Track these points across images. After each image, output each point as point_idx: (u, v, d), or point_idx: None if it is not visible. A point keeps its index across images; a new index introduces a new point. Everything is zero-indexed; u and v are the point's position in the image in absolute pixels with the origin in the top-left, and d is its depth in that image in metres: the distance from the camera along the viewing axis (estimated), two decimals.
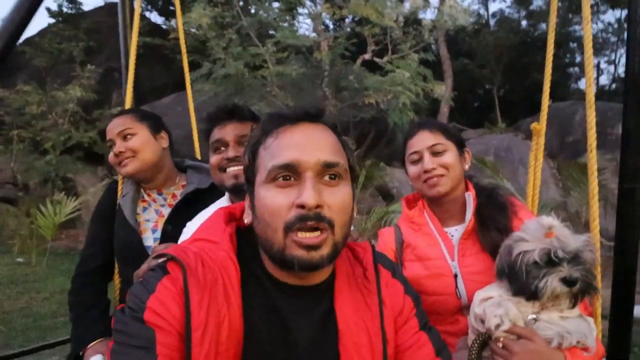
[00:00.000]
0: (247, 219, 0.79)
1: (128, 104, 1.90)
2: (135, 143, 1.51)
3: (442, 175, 1.31)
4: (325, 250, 0.70)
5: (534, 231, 1.08)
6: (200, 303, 0.67)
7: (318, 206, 0.69)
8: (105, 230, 1.60)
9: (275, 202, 0.71)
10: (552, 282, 1.02)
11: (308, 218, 0.68)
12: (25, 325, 4.17)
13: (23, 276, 6.09)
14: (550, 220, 1.07)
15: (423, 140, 1.34)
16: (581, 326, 1.07)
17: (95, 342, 1.45)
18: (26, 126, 9.70)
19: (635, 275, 1.37)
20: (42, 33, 11.62)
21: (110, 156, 1.54)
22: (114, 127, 1.53)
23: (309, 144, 0.72)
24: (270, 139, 0.75)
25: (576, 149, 10.15)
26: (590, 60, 1.46)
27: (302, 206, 0.68)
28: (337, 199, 0.72)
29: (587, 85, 1.46)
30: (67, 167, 9.43)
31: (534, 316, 1.07)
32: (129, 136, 1.51)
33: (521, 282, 1.06)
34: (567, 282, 1.03)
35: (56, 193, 8.45)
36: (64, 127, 9.65)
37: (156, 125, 1.59)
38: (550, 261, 1.03)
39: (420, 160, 1.34)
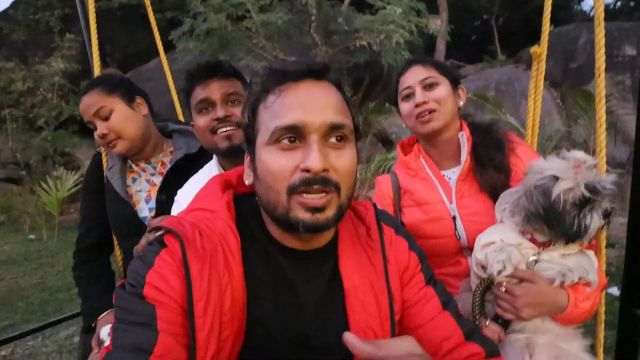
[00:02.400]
0: (247, 180, 0.77)
1: (97, 73, 1.80)
2: (116, 122, 1.41)
3: (434, 110, 1.26)
4: (330, 212, 0.69)
5: (561, 168, 1.02)
6: (201, 274, 0.66)
7: (324, 170, 0.66)
8: (96, 204, 1.56)
9: (278, 165, 0.68)
10: (595, 218, 0.99)
11: (314, 182, 0.66)
12: (42, 299, 4.31)
13: (36, 252, 6.26)
14: (581, 154, 1.02)
15: (415, 74, 1.29)
16: (582, 262, 1.06)
17: (106, 313, 1.46)
18: (16, 104, 9.57)
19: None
20: (15, 5, 11.12)
21: (96, 138, 1.46)
22: (87, 108, 1.41)
23: (314, 104, 0.68)
24: (272, 97, 0.70)
25: (581, 75, 9.80)
26: None
27: (307, 170, 0.66)
28: (343, 162, 0.69)
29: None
30: (63, 141, 9.42)
31: (535, 257, 1.07)
32: (106, 115, 1.41)
33: (566, 223, 1.00)
34: (606, 215, 1.00)
35: (57, 168, 8.49)
36: (54, 102, 9.52)
37: (129, 92, 1.47)
38: (586, 197, 0.99)
39: (412, 95, 1.29)
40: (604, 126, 1.28)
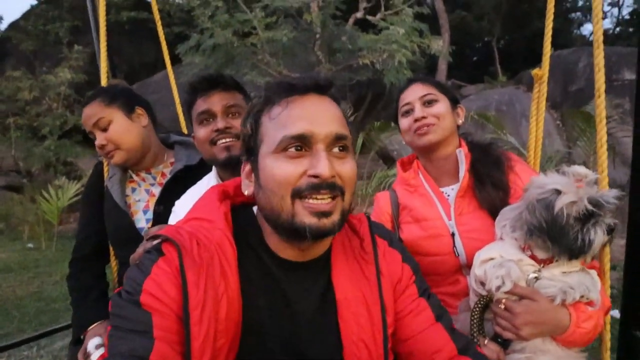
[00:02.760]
0: (246, 190, 0.78)
1: (104, 83, 1.83)
2: (114, 133, 1.42)
3: (432, 124, 1.28)
4: (336, 217, 0.71)
5: (563, 182, 1.01)
6: (197, 282, 0.66)
7: (332, 176, 0.70)
8: (95, 213, 1.56)
9: (284, 171, 0.70)
10: (599, 233, 0.98)
11: (321, 187, 0.69)
12: (38, 309, 4.25)
13: (34, 261, 6.21)
14: (583, 169, 1.02)
15: (415, 91, 1.33)
16: (584, 280, 1.04)
17: (95, 325, 1.44)
18: (21, 113, 9.67)
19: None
20: (26, 16, 11.34)
21: (97, 147, 1.47)
22: (87, 119, 1.43)
23: (320, 116, 0.72)
24: (277, 108, 0.73)
25: (580, 97, 9.89)
26: None
27: (316, 176, 0.69)
28: (347, 169, 0.73)
29: (595, 23, 1.32)
30: (66, 151, 9.46)
31: (536, 275, 1.04)
32: (105, 125, 1.42)
33: (569, 238, 0.98)
34: (610, 230, 0.99)
35: (59, 178, 8.50)
36: (59, 112, 9.60)
37: (129, 103, 1.48)
38: (590, 212, 0.98)
39: (411, 111, 1.32)
40: (604, 146, 1.28)
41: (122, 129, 1.43)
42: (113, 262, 1.68)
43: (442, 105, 1.30)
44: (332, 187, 0.70)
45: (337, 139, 0.72)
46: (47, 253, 6.68)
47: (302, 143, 0.70)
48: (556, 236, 1.00)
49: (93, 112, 1.43)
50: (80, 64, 9.71)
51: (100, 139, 1.43)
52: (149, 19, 10.31)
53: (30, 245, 7.20)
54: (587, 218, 0.98)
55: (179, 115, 2.27)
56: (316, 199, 0.69)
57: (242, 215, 0.80)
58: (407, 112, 1.33)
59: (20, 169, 9.92)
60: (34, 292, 4.81)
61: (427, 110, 1.29)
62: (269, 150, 0.72)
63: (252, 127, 0.76)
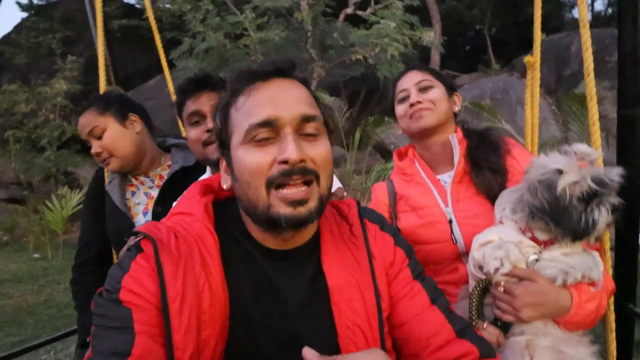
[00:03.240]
0: (225, 184, 0.78)
1: (102, 89, 1.88)
2: (107, 141, 1.45)
3: (428, 109, 1.29)
4: (312, 204, 0.69)
5: (565, 162, 0.98)
6: (175, 274, 0.66)
7: (302, 160, 0.68)
8: (97, 218, 1.59)
9: (255, 160, 0.68)
10: (603, 213, 0.94)
11: (292, 172, 0.67)
12: (51, 315, 4.35)
13: (42, 270, 6.28)
14: (585, 147, 0.99)
15: (411, 78, 1.34)
16: (585, 260, 1.01)
17: None
18: (19, 125, 9.69)
19: (638, 202, 1.31)
20: (17, 29, 11.36)
21: (93, 155, 1.51)
22: (82, 128, 1.48)
23: (285, 99, 0.70)
24: (242, 98, 0.72)
25: (575, 81, 9.92)
26: None
27: (285, 162, 0.67)
28: (319, 151, 0.71)
29: (579, 2, 1.35)
30: (66, 161, 9.47)
31: (536, 256, 1.01)
32: (99, 134, 1.46)
33: (572, 219, 0.95)
34: (614, 210, 0.96)
35: (60, 188, 8.55)
36: (56, 122, 9.61)
37: (122, 110, 1.51)
38: (594, 191, 0.95)
39: (407, 97, 1.32)
40: (597, 124, 1.29)
41: (115, 137, 1.47)
42: None
43: (438, 91, 1.31)
44: (303, 172, 0.68)
45: (305, 120, 0.70)
46: (54, 262, 6.75)
47: (269, 129, 0.68)
48: (559, 217, 0.96)
49: (87, 120, 1.47)
50: (75, 74, 9.72)
51: (95, 147, 1.47)
52: (140, 26, 10.34)
53: (36, 255, 7.26)
54: (591, 198, 0.95)
55: (177, 119, 2.33)
56: (289, 187, 0.68)
57: (225, 208, 0.79)
58: (403, 99, 1.34)
59: (21, 181, 9.95)
60: (45, 300, 4.90)
61: (422, 96, 1.29)
62: (238, 141, 0.70)
63: (222, 120, 0.75)
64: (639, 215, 1.34)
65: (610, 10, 19.05)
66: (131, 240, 0.79)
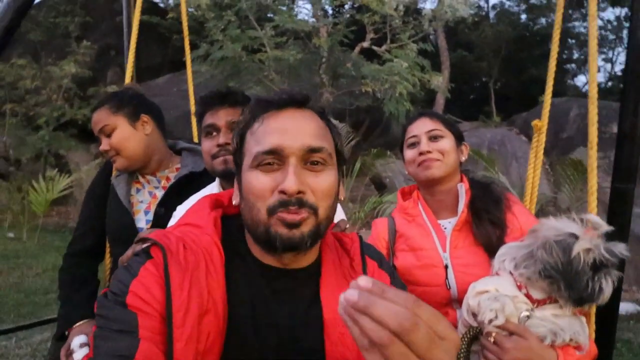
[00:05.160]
0: (235, 201, 0.80)
1: (127, 81, 1.91)
2: (116, 140, 1.47)
3: (437, 160, 1.32)
4: (306, 229, 0.70)
5: (576, 228, 1.02)
6: (182, 285, 0.67)
7: (300, 192, 0.69)
8: (98, 209, 1.59)
9: (260, 184, 0.71)
10: (610, 283, 0.99)
11: (289, 203, 0.69)
12: (18, 301, 4.20)
13: (14, 252, 6.09)
14: (598, 219, 1.04)
15: (422, 125, 1.36)
16: (574, 324, 1.05)
17: (81, 322, 1.44)
18: (19, 101, 9.56)
19: (622, 273, 1.37)
20: (38, 6, 11.33)
21: (101, 151, 1.53)
22: (94, 124, 1.50)
23: (292, 129, 0.72)
24: (256, 124, 0.75)
25: (570, 145, 10.21)
26: (594, 56, 1.41)
27: (283, 192, 0.69)
28: (321, 183, 0.72)
29: (591, 81, 1.41)
30: (59, 143, 9.33)
31: (528, 313, 1.05)
32: (109, 132, 1.48)
33: (581, 284, 0.99)
34: (616, 281, 1.00)
35: (48, 169, 8.39)
36: (58, 103, 9.52)
37: (134, 111, 1.52)
38: (604, 261, 0.99)
39: (417, 144, 1.35)
40: (594, 195, 1.34)
41: (124, 138, 1.48)
42: (107, 260, 1.69)
43: (448, 142, 1.34)
44: (300, 204, 0.69)
45: (311, 151, 0.71)
46: (29, 244, 6.56)
47: (274, 158, 0.71)
48: (571, 280, 1.00)
49: (99, 118, 1.49)
50: (87, 59, 9.70)
51: (104, 144, 1.49)
52: (159, 24, 10.45)
53: (10, 234, 7.06)
54: (599, 267, 0.99)
55: (185, 119, 2.33)
56: (287, 213, 0.70)
57: (232, 224, 0.80)
58: (413, 145, 1.37)
59: (9, 156, 9.76)
60: (13, 283, 4.74)
61: (432, 145, 1.33)
62: (248, 164, 0.73)
63: (238, 142, 0.78)
64: (621, 288, 1.37)
65: (610, 84, 19.86)
66: (138, 246, 0.79)
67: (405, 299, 0.45)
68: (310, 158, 0.72)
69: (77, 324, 1.44)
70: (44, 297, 4.22)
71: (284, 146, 0.71)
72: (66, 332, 1.45)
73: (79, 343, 1.37)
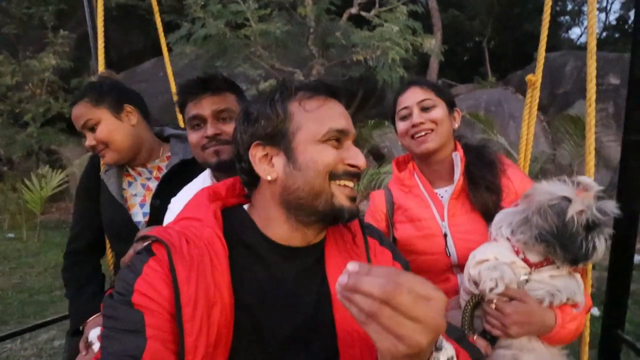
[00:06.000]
0: (270, 176, 0.80)
1: (101, 69, 1.80)
2: (102, 133, 1.42)
3: (430, 130, 1.30)
4: (357, 202, 0.81)
5: (569, 191, 1.05)
6: (188, 279, 0.67)
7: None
8: (91, 206, 1.55)
9: (329, 156, 0.78)
10: (602, 242, 1.03)
11: (356, 175, 0.81)
12: (21, 300, 4.18)
13: (15, 252, 6.09)
14: (590, 180, 1.07)
15: (413, 95, 1.34)
16: (570, 283, 1.10)
17: (95, 315, 1.45)
18: (3, 98, 9.35)
19: (636, 224, 1.39)
20: None
21: (88, 147, 1.47)
22: (76, 120, 1.43)
23: (349, 118, 0.83)
24: (314, 103, 0.80)
25: (567, 100, 10.08)
26: (593, 6, 1.37)
27: (355, 166, 0.79)
28: (362, 160, 0.82)
29: (589, 34, 1.38)
30: (49, 139, 9.19)
31: (526, 277, 1.09)
32: (93, 126, 1.42)
33: (576, 245, 1.03)
34: (610, 239, 1.04)
35: (41, 166, 8.28)
36: (42, 98, 9.32)
37: (117, 102, 1.45)
38: (597, 221, 1.03)
39: (409, 116, 1.33)
40: (592, 153, 1.34)
41: (110, 130, 1.42)
42: (109, 255, 1.68)
43: (440, 111, 1.32)
44: (359, 177, 0.82)
45: (354, 136, 0.84)
46: (29, 244, 6.54)
47: (342, 135, 0.80)
48: (566, 242, 1.04)
49: (81, 112, 1.41)
50: (66, 49, 9.39)
51: (89, 139, 1.43)
52: (138, 6, 10.07)
53: (10, 235, 7.03)
54: (593, 227, 1.03)
55: (174, 105, 2.22)
56: (346, 185, 0.79)
57: (232, 215, 0.82)
58: (405, 117, 1.35)
59: (0, 156, 9.62)
60: (16, 284, 4.73)
61: (425, 116, 1.31)
62: (313, 138, 0.78)
63: (282, 113, 0.80)
64: (634, 243, 1.41)
65: (605, 34, 19.46)
66: (139, 244, 0.78)
67: (387, 272, 0.52)
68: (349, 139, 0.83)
69: (91, 318, 1.45)
70: (48, 295, 4.22)
71: (349, 130, 0.82)
72: (81, 327, 1.46)
73: (96, 335, 1.38)
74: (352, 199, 0.79)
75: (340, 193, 0.78)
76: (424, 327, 0.50)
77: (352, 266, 0.53)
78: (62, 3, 10.64)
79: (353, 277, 0.52)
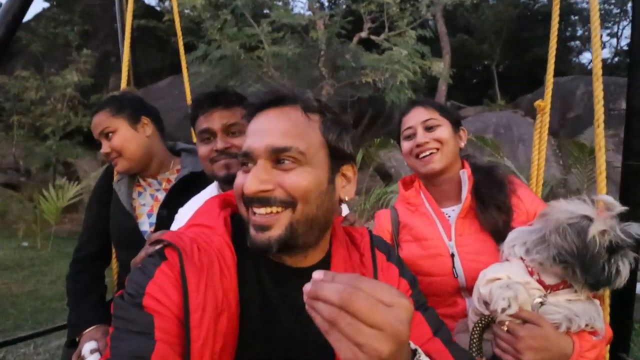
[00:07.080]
0: None
1: (123, 86, 1.92)
2: (117, 142, 1.48)
3: (436, 150, 1.29)
4: (275, 232, 0.70)
5: (589, 210, 0.98)
6: (198, 286, 0.67)
7: (262, 191, 0.70)
8: (101, 215, 1.59)
9: (237, 184, 0.75)
10: (627, 265, 0.95)
11: (252, 202, 0.71)
12: (35, 307, 4.27)
13: (29, 260, 6.19)
14: (611, 199, 1.00)
15: (417, 115, 1.33)
16: (589, 309, 1.01)
17: (91, 328, 1.44)
18: (25, 112, 9.73)
19: (638, 251, 1.34)
20: (37, 18, 11.49)
21: (102, 154, 1.53)
22: (95, 127, 1.51)
23: (261, 131, 0.73)
24: (251, 123, 0.78)
25: (578, 125, 10.04)
26: (597, 31, 1.36)
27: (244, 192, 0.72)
28: (293, 180, 0.71)
29: (594, 57, 1.36)
30: (67, 152, 9.49)
31: (541, 300, 1.01)
32: (110, 134, 1.49)
33: (597, 267, 0.94)
34: (633, 264, 0.96)
35: (58, 178, 8.53)
36: (63, 112, 9.67)
37: (135, 113, 1.53)
38: (621, 242, 0.95)
39: (413, 135, 1.32)
40: (603, 174, 1.31)
41: (125, 139, 1.49)
42: (114, 265, 1.70)
43: (444, 130, 1.30)
44: (264, 201, 0.70)
45: (276, 151, 0.71)
46: (43, 252, 6.67)
47: (248, 159, 0.74)
48: (587, 265, 0.95)
49: (100, 121, 1.49)
50: (88, 67, 9.82)
51: (105, 147, 1.49)
52: (157, 27, 10.50)
53: (25, 243, 7.18)
54: (615, 249, 0.95)
55: (188, 121, 2.34)
56: (254, 213, 0.72)
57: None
58: (409, 137, 1.34)
59: (19, 167, 9.95)
60: (30, 291, 4.82)
61: (429, 135, 1.29)
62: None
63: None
64: (638, 268, 1.34)
65: (616, 59, 19.47)
66: (151, 247, 0.79)
67: (348, 278, 0.51)
68: (278, 158, 0.72)
69: (87, 330, 1.44)
70: (60, 304, 4.27)
71: (252, 148, 0.73)
72: (77, 339, 1.46)
73: (89, 349, 1.38)
74: (259, 228, 0.71)
75: (252, 222, 0.72)
76: (383, 335, 0.48)
77: (317, 274, 0.52)
78: (87, 24, 11.18)
79: (315, 285, 0.51)
